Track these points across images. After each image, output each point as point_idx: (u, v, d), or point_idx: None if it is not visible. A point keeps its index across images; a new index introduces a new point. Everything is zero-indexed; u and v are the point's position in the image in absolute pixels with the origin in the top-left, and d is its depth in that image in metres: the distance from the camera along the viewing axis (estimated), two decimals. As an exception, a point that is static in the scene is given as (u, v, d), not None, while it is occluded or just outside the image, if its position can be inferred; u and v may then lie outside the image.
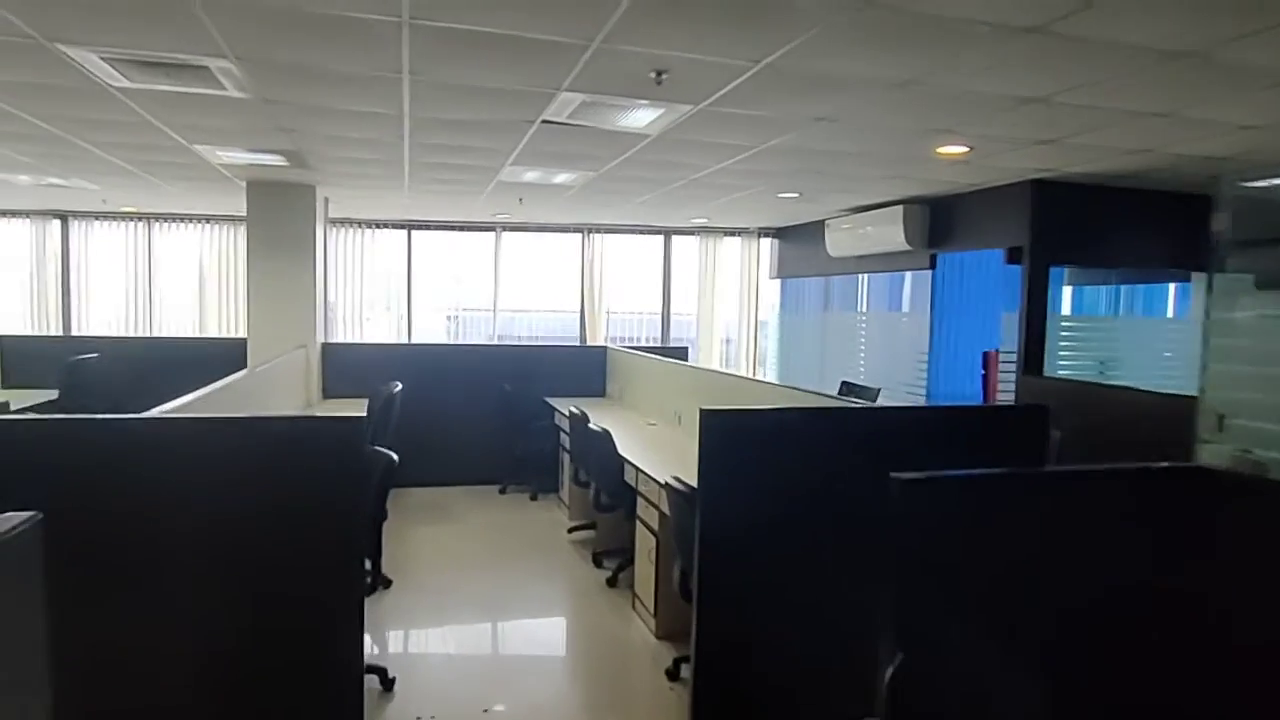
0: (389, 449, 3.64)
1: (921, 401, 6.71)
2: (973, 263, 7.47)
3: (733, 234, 9.30)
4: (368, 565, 3.37)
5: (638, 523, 4.37)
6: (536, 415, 6.98)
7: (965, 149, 4.43)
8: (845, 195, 6.37)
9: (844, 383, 6.28)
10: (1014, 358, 8.69)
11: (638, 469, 4.33)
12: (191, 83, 3.46)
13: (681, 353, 8.25)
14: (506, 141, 4.57)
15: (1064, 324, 6.27)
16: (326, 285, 7.30)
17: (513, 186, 6.17)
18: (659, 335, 9.61)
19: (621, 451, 4.66)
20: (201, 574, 2.31)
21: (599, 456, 4.85)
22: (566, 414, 5.72)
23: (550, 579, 5.10)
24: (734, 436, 2.96)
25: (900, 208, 6.37)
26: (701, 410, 2.93)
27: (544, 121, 4.07)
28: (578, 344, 9.06)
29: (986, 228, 5.85)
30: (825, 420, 3.19)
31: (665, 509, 3.89)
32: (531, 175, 5.66)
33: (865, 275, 8.87)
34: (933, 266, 6.57)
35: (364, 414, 3.04)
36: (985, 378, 8.39)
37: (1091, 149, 4.39)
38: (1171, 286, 8.08)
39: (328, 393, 6.80)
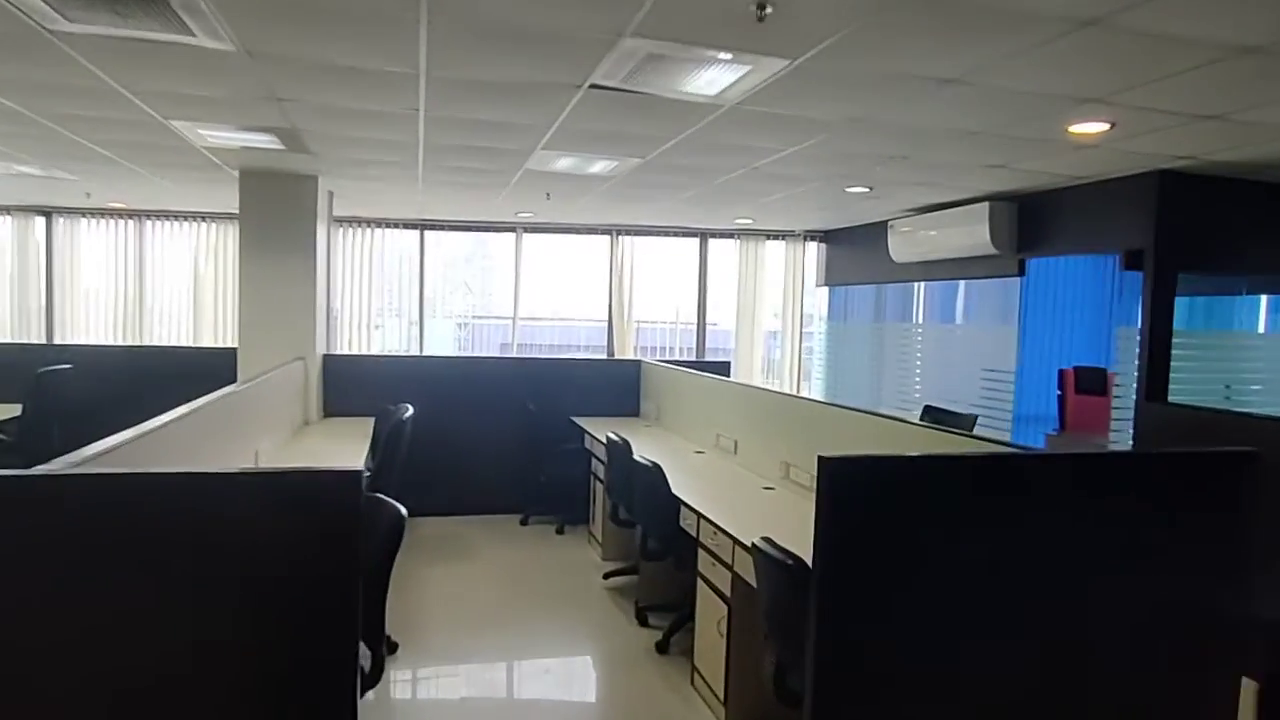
0: (397, 484, 2.87)
1: (1008, 425, 5.87)
2: (1062, 269, 6.64)
3: (776, 237, 8.49)
4: (365, 652, 2.58)
5: (700, 581, 3.55)
6: (564, 437, 6.19)
7: (1106, 126, 3.61)
8: (923, 190, 5.55)
9: (928, 407, 5.46)
10: (1123, 379, 7.88)
11: (701, 516, 3.52)
12: (148, 24, 2.69)
13: (722, 367, 7.44)
14: (543, 115, 3.79)
15: (1178, 340, 5.41)
16: (330, 290, 6.55)
17: (541, 178, 5.39)
18: (693, 347, 8.80)
19: (676, 492, 3.85)
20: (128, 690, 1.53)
21: (647, 494, 4.05)
22: (604, 440, 4.93)
23: (588, 639, 4.28)
24: (871, 493, 2.16)
25: (985, 205, 5.55)
26: (821, 459, 2.12)
27: (592, 86, 3.28)
28: (608, 357, 8.27)
29: (1096, 228, 5.01)
30: (997, 470, 2.38)
31: (740, 571, 3.08)
32: (565, 163, 4.88)
33: (920, 284, 8.07)
34: (1022, 272, 5.74)
35: (360, 466, 2.25)
36: (1061, 399, 7.56)
37: (1261, 127, 3.57)
38: (1263, 299, 7.22)
39: (329, 410, 6.03)
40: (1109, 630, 2.45)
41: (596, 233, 8.32)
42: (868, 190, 5.59)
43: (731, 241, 8.50)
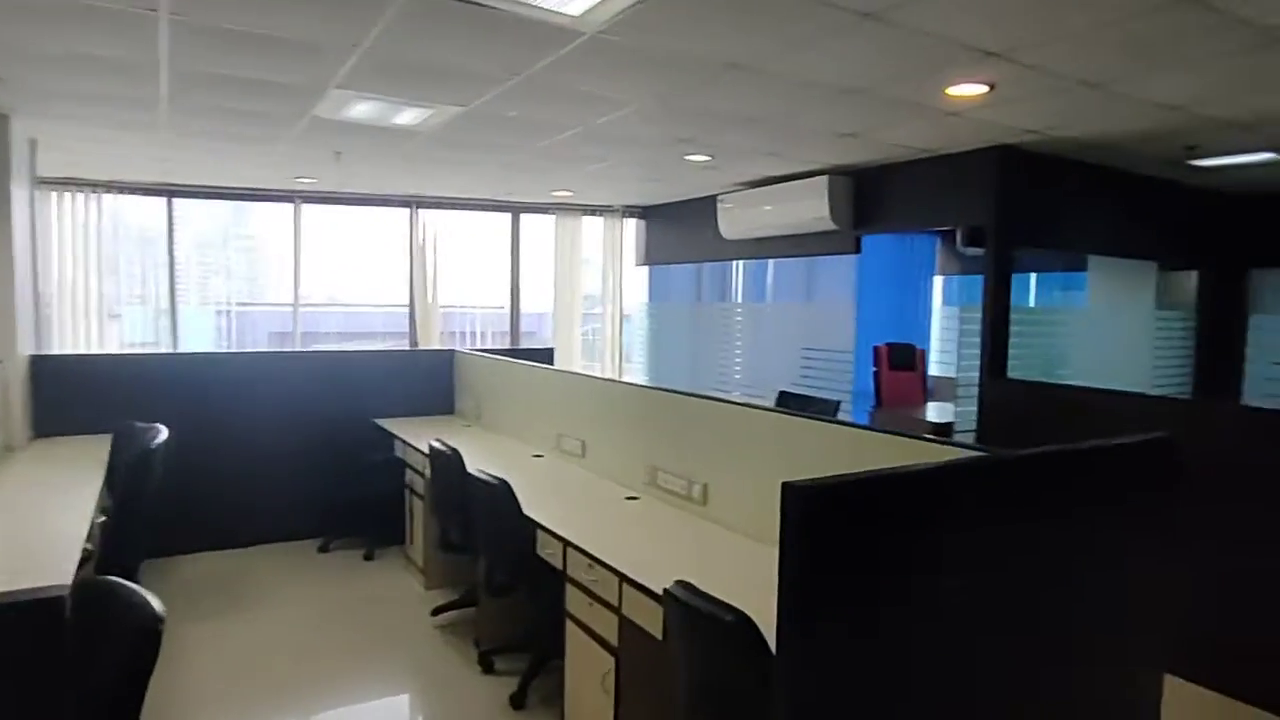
0: (145, 525, 1.92)
1: (847, 404, 5.75)
2: (885, 246, 6.66)
3: (595, 213, 7.91)
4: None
5: (572, 625, 2.89)
6: (368, 445, 5.22)
7: (985, 89, 3.38)
8: (764, 161, 5.20)
9: (783, 393, 5.14)
10: (938, 355, 8.15)
11: (569, 544, 2.85)
12: None
13: (545, 355, 6.75)
14: (343, 31, 2.87)
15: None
16: (38, 271, 5.02)
17: (332, 130, 4.37)
18: (507, 333, 8.02)
19: (529, 512, 3.15)
20: None
21: (491, 517, 3.31)
22: (424, 449, 4.09)
23: (422, 695, 3.46)
24: (858, 528, 1.64)
25: (824, 179, 5.32)
26: (786, 486, 1.57)
27: (415, -8, 2.46)
28: (413, 347, 7.26)
29: (937, 204, 4.93)
30: (979, 476, 1.95)
31: (632, 615, 2.46)
32: (365, 110, 3.92)
33: (741, 262, 7.90)
34: (858, 250, 5.60)
35: (63, 593, 1.32)
36: (877, 375, 7.70)
37: (1127, 101, 3.51)
38: (1032, 276, 7.79)
39: (42, 428, 4.58)
40: (1064, 631, 2.17)
41: (393, 204, 7.25)
42: (709, 159, 5.14)
43: (547, 217, 7.80)
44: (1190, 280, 6.49)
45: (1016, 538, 2.02)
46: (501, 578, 3.32)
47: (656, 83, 3.41)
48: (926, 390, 7.77)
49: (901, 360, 7.77)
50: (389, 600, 4.38)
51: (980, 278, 7.79)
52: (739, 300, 8.06)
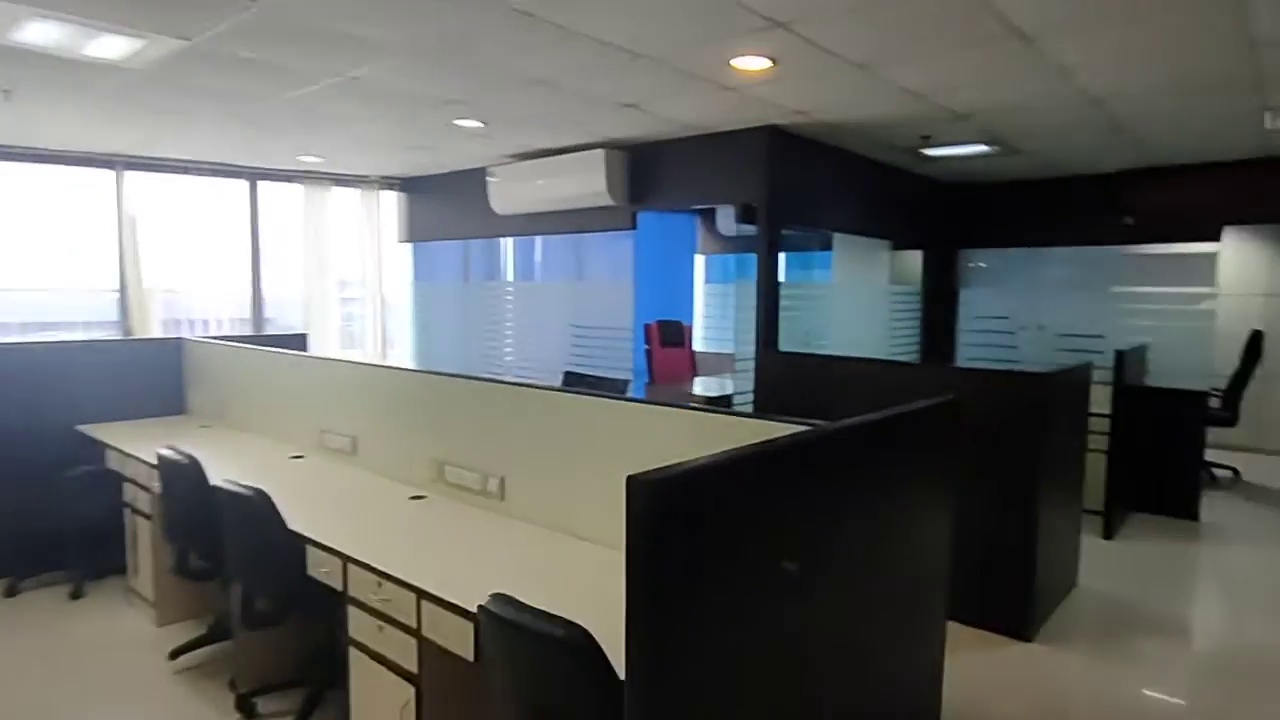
0: None
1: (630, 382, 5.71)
2: (653, 225, 6.71)
3: (348, 183, 7.16)
4: None
5: (357, 653, 2.48)
6: (70, 458, 4.26)
7: (768, 63, 3.40)
8: (539, 131, 4.95)
9: (569, 373, 4.94)
10: (702, 331, 8.36)
11: (350, 560, 2.44)
12: None
13: (297, 341, 5.99)
14: (4, -74, 2.18)
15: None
16: None
17: (-3, 62, 3.43)
18: (248, 318, 7.04)
19: (295, 526, 2.68)
20: None
21: (246, 535, 2.78)
22: (150, 459, 3.38)
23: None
24: (704, 521, 1.49)
25: (601, 153, 5.20)
26: (632, 481, 1.39)
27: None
28: (127, 337, 6.11)
29: (711, 181, 5.00)
30: (815, 451, 1.88)
31: (434, 636, 2.15)
32: (46, 32, 3.09)
33: (510, 239, 7.62)
34: (633, 226, 5.56)
35: None
36: (649, 353, 7.83)
37: (883, 85, 3.73)
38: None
39: None
40: (880, 587, 2.22)
41: (95, 164, 6.02)
42: (481, 126, 4.79)
43: (292, 187, 6.92)
44: (917, 259, 7.28)
45: (844, 504, 2.02)
46: (264, 606, 2.80)
47: (427, 22, 3.02)
48: (694, 366, 8.05)
49: (671, 337, 7.97)
50: (111, 645, 3.59)
51: (736, 257, 8.25)
52: (511, 279, 7.77)
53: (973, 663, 3.32)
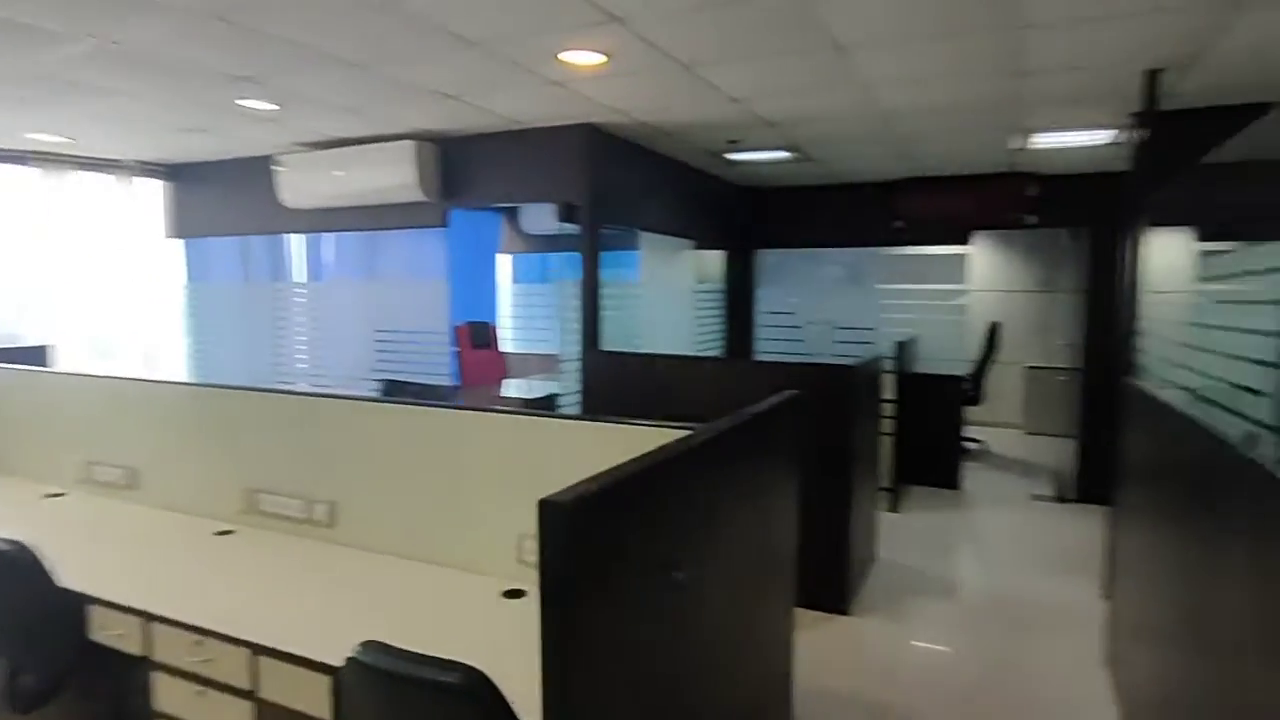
0: None
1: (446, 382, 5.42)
2: (459, 223, 6.45)
3: (97, 168, 6.15)
4: None
5: (164, 724, 2.09)
6: None
7: (601, 58, 3.34)
8: (341, 117, 4.53)
9: (391, 381, 4.55)
10: (511, 333, 8.10)
11: (151, 617, 2.05)
12: None
13: (35, 355, 5.04)
14: None
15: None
16: None
17: None
18: (-37, 328, 5.82)
19: (67, 582, 2.22)
20: None
21: (2, 600, 2.26)
22: None
23: None
24: (609, 534, 1.41)
25: (411, 144, 4.87)
26: (545, 505, 1.28)
27: None
28: None
29: (531, 178, 4.85)
30: (699, 457, 1.83)
31: (274, 697, 1.87)
32: None
33: (299, 238, 6.99)
34: (446, 223, 5.27)
35: None
36: (459, 355, 7.54)
37: (707, 90, 3.80)
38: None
39: None
40: (750, 582, 2.25)
41: None
42: (274, 109, 4.29)
43: (21, 170, 5.82)
44: (717, 258, 7.61)
45: (721, 505, 2.01)
46: (35, 682, 2.29)
47: (225, -4, 2.63)
48: (505, 368, 7.86)
49: (481, 339, 7.72)
50: None
51: (542, 256, 8.16)
52: (301, 279, 7.11)
53: (804, 641, 3.51)
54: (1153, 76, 3.37)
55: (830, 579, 3.96)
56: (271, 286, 6.74)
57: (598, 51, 3.26)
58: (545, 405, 5.25)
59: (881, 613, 3.98)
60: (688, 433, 1.90)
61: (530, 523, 1.26)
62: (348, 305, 6.22)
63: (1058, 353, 7.90)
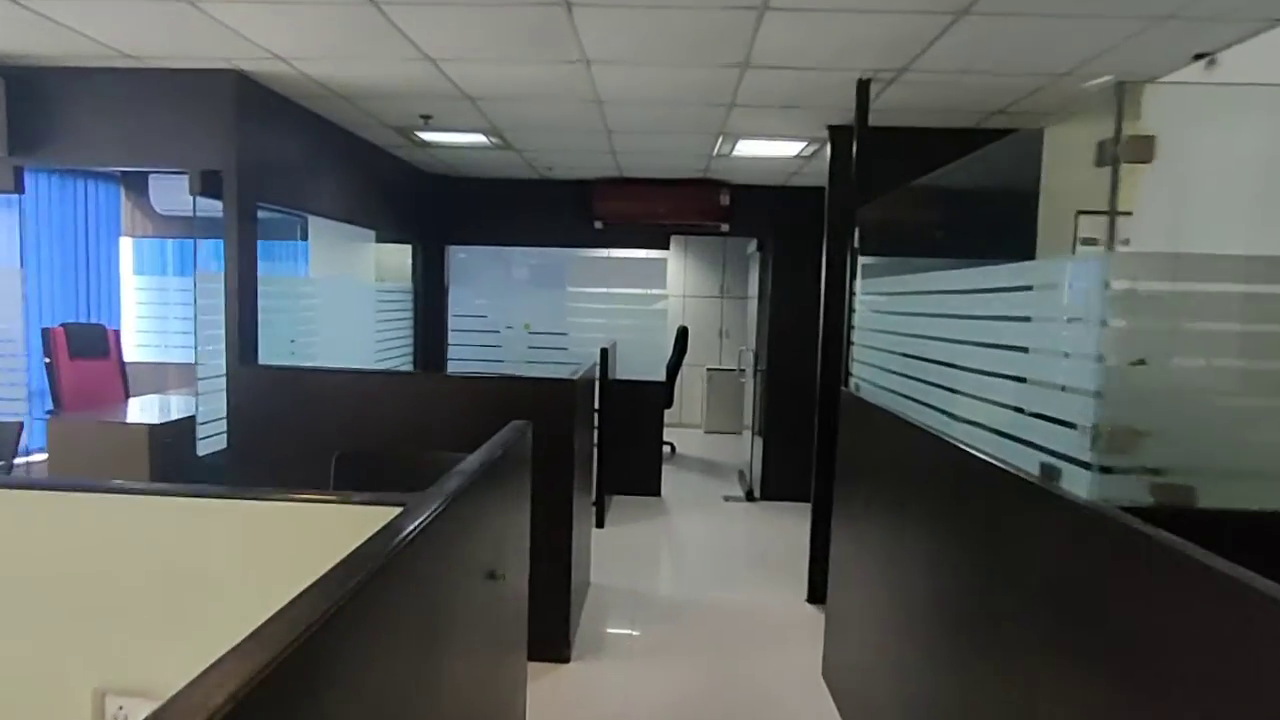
0: None
1: (23, 407, 3.94)
2: (56, 194, 4.92)
3: None
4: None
5: None
6: None
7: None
8: None
9: None
10: (136, 338, 6.41)
11: None
12: None
13: None
14: None
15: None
16: None
17: None
18: None
19: None
20: None
21: None
22: None
23: None
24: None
25: (-48, 70, 3.39)
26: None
27: None
28: None
29: (149, 136, 3.64)
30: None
31: None
32: None
33: None
34: (19, 188, 3.81)
35: None
36: (52, 367, 5.82)
37: (397, 39, 3.07)
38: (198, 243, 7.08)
39: None
40: (489, 645, 1.66)
41: None
42: None
43: None
44: (405, 253, 6.76)
45: (464, 569, 1.38)
46: None
47: None
48: (126, 383, 6.22)
49: (88, 346, 5.98)
50: None
51: (178, 242, 6.65)
52: None
53: (530, 700, 2.98)
54: (865, 86, 3.39)
55: (552, 624, 3.46)
56: None
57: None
58: (183, 431, 4.06)
59: (605, 653, 3.59)
60: (397, 510, 1.24)
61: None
62: None
63: (738, 356, 8.32)
